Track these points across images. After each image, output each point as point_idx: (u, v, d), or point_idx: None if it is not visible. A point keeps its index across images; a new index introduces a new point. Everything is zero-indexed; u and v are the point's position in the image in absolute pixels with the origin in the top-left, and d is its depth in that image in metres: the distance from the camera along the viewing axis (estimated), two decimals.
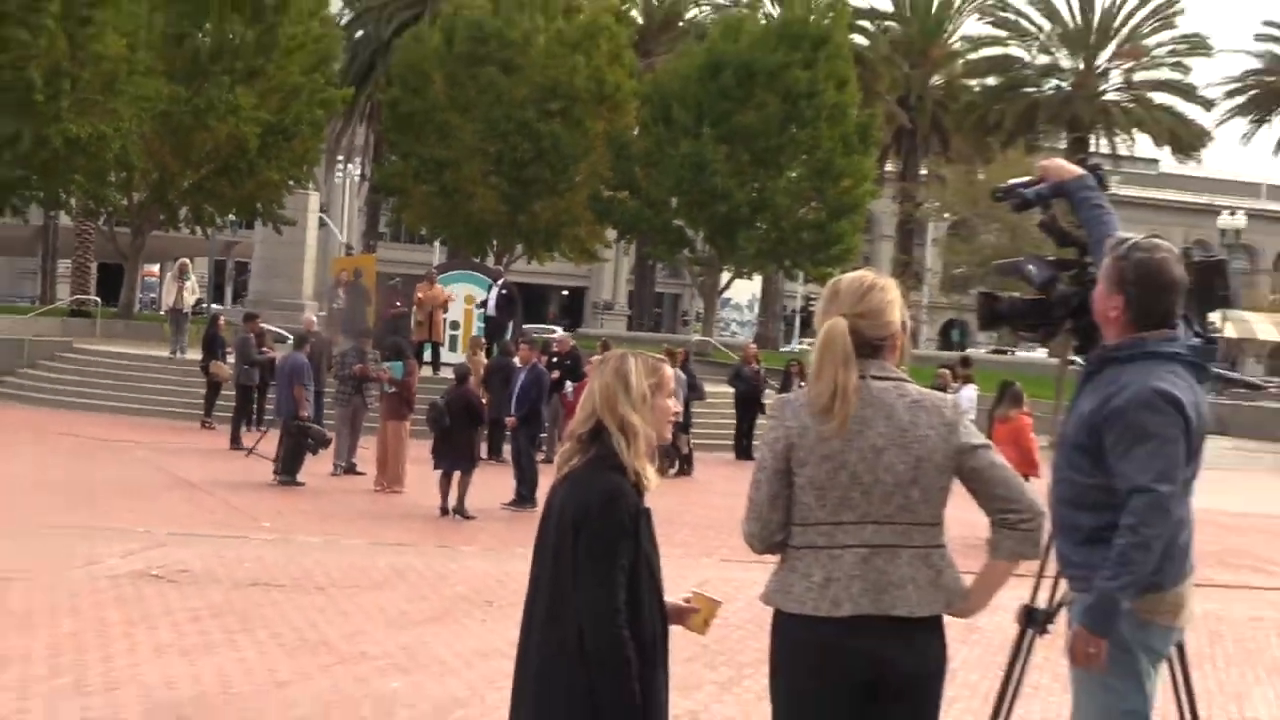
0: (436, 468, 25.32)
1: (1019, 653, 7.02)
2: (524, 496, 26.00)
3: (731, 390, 40.95)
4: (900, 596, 6.11)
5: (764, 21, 67.95)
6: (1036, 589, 7.19)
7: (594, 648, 6.07)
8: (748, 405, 39.74)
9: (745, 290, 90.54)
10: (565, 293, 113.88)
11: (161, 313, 57.27)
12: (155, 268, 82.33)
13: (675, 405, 6.56)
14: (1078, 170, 7.23)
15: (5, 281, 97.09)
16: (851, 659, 6.10)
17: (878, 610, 6.09)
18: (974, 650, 13.87)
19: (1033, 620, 6.93)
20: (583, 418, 6.39)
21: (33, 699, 11.77)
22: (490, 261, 60.91)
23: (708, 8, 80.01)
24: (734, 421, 40.45)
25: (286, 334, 42.70)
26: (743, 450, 38.68)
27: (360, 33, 71.86)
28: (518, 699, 6.36)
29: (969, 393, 33.92)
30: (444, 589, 17.73)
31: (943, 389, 19.63)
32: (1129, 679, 6.43)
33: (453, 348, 44.09)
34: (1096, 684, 6.47)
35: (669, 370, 6.47)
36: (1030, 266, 7.20)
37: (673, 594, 6.42)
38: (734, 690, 11.99)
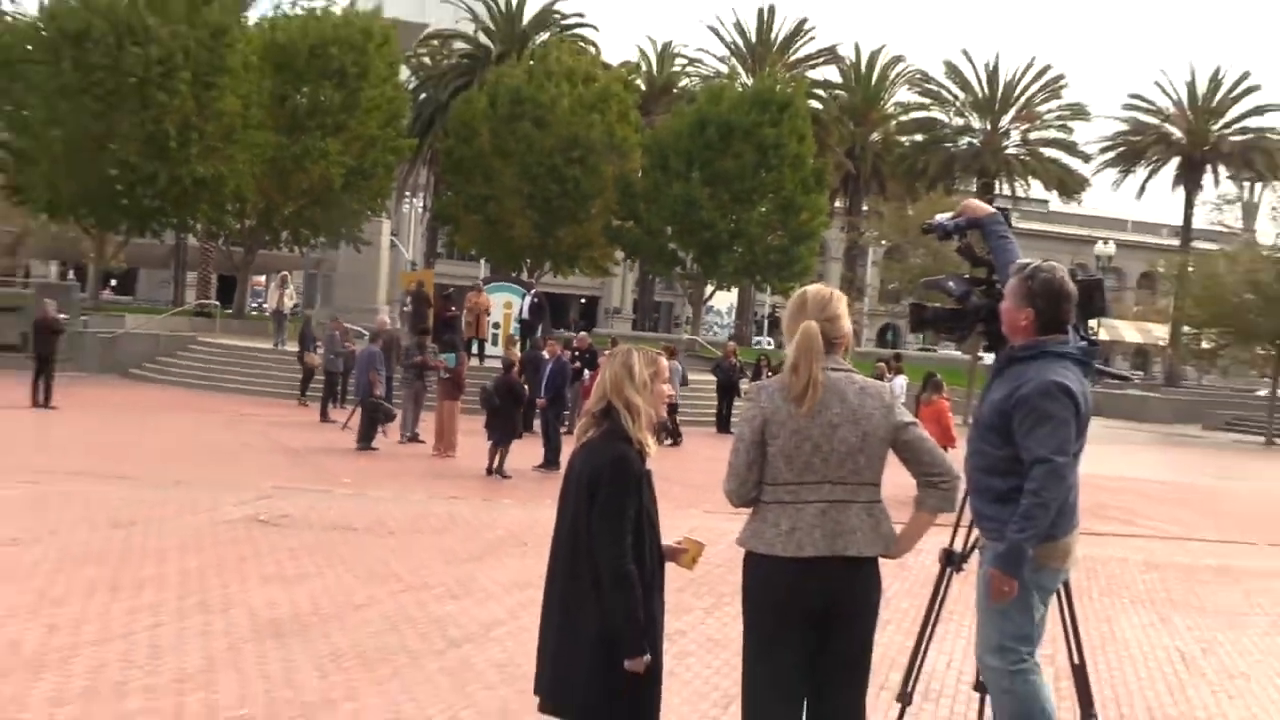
0: (490, 439, 25.36)
1: (940, 586, 7.03)
2: (550, 461, 26.19)
3: (714, 378, 40.93)
4: (850, 541, 6.15)
5: (740, 89, 67.70)
6: (954, 536, 7.18)
7: (607, 579, 6.08)
8: (726, 390, 39.71)
9: (725, 299, 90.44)
10: (583, 300, 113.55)
11: (266, 314, 57.21)
12: (261, 278, 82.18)
13: (670, 390, 6.56)
14: (989, 209, 7.30)
15: (145, 288, 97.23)
16: (811, 591, 6.15)
17: (832, 552, 6.14)
18: (904, 584, 13.86)
19: (951, 561, 6.96)
20: (596, 399, 6.46)
21: (165, 615, 11.85)
22: (524, 275, 60.73)
23: (696, 78, 79.56)
24: (715, 403, 40.44)
25: (364, 331, 42.75)
26: (722, 425, 38.53)
27: (423, 95, 71.67)
28: (546, 620, 6.38)
29: (900, 381, 34.12)
30: (488, 533, 17.77)
31: (880, 378, 19.59)
32: (1024, 611, 6.51)
33: (494, 343, 44.03)
34: (996, 612, 6.55)
35: (665, 362, 6.50)
36: (950, 283, 7.32)
37: (668, 538, 6.44)
38: (715, 614, 11.95)
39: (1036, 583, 6.60)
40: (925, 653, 6.77)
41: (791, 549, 6.19)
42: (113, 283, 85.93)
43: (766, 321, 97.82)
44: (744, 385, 37.44)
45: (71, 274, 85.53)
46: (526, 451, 26.72)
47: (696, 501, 21.29)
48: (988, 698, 6.71)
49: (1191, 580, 17.49)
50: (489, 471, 24.89)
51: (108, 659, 10.30)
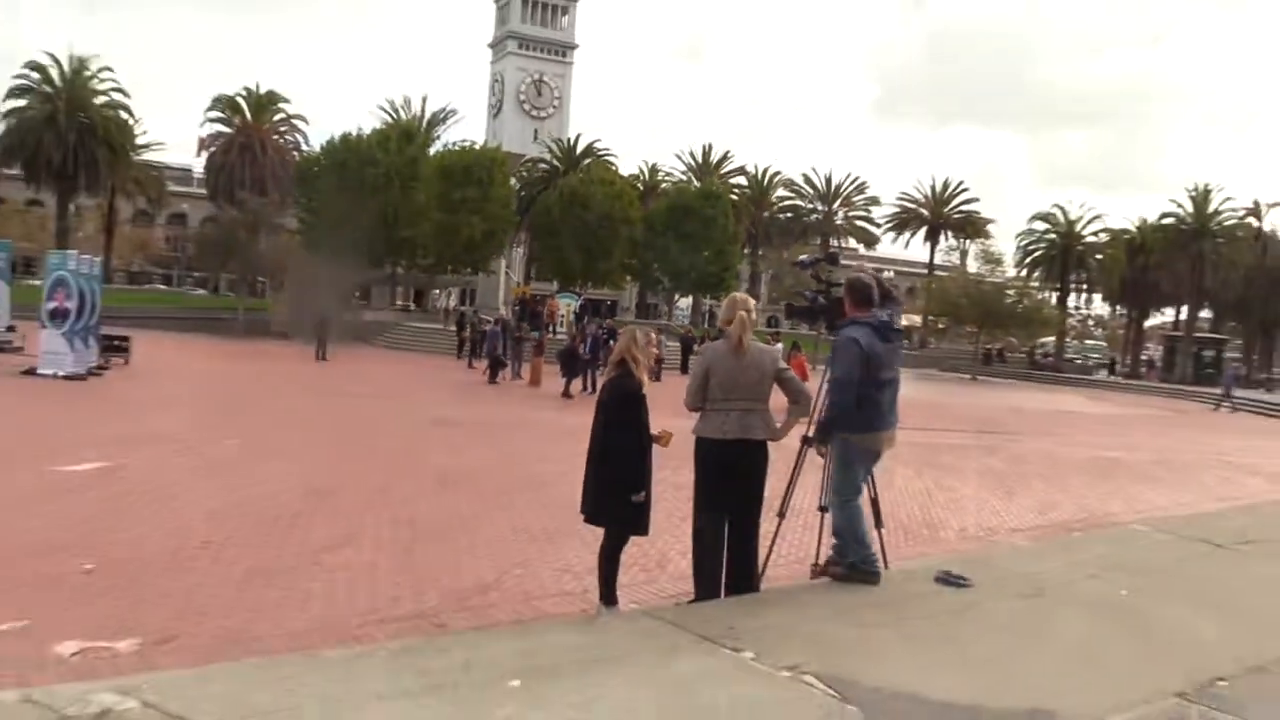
0: (562, 377, 25.12)
1: (799, 458, 7.02)
2: (590, 389, 26.07)
3: (679, 344, 40.74)
4: (755, 430, 6.05)
5: (694, 189, 67.35)
6: (808, 428, 7.28)
7: (617, 458, 6.00)
8: (686, 349, 39.56)
9: (685, 302, 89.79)
10: (608, 303, 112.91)
11: (438, 310, 57.15)
12: (436, 291, 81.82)
13: (656, 351, 6.71)
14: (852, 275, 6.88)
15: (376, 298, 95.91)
16: (734, 457, 6.04)
17: (746, 436, 6.03)
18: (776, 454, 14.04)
19: (807, 442, 6.90)
20: (616, 355, 6.31)
21: (391, 474, 11.82)
22: (576, 289, 60.65)
23: (670, 181, 78.99)
24: (680, 357, 39.99)
25: (490, 319, 42.84)
26: (684, 369, 38.24)
27: (523, 192, 71.33)
28: (588, 471, 6.18)
29: (779, 347, 33.95)
30: (559, 429, 17.65)
31: (768, 344, 19.68)
32: (848, 471, 6.20)
33: (561, 326, 44.13)
34: (837, 472, 6.26)
35: (654, 335, 6.72)
36: (807, 293, 7.00)
37: (654, 428, 6.25)
38: (680, 472, 12.13)
39: (860, 457, 6.22)
40: (792, 491, 6.92)
41: (723, 434, 6.02)
42: (358, 295, 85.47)
43: (707, 314, 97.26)
44: (696, 347, 37.23)
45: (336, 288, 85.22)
46: (576, 386, 26.67)
47: (671, 410, 21.37)
48: (828, 515, 6.38)
49: (932, 452, 17.60)
50: (562, 395, 24.55)
51: (364, 496, 10.25)
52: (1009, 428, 24.28)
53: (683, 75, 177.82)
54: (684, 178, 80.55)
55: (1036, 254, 72.50)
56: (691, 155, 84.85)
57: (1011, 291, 58.75)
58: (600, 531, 6.26)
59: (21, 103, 60.51)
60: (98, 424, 14.47)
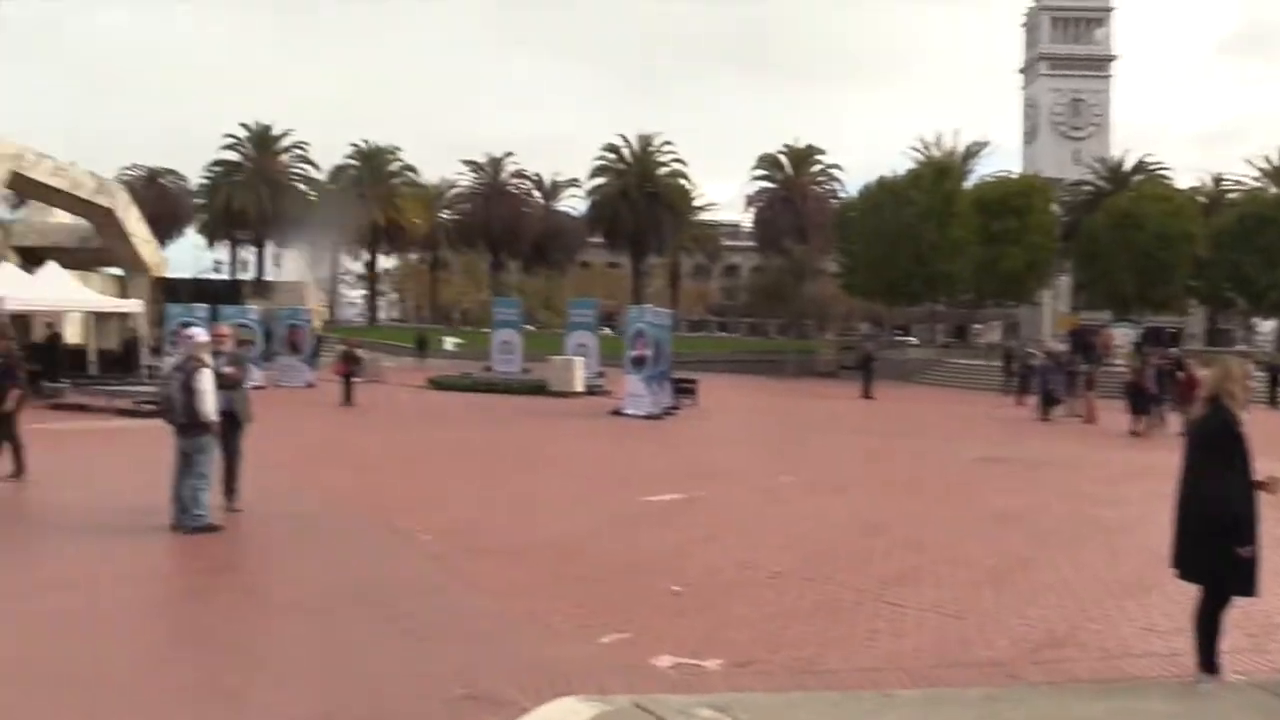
0: (1129, 412, 23.03)
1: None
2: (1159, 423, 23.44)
3: (1265, 374, 35.15)
4: None
5: (1273, 193, 58.71)
6: None
7: (1217, 504, 5.24)
8: (1274, 382, 34.06)
9: (1266, 326, 77.66)
10: (1170, 331, 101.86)
11: (984, 345, 55.67)
12: (978, 326, 79.55)
13: (1251, 384, 5.79)
14: None
15: (916, 333, 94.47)
16: None
17: None
18: None
19: None
20: (1208, 390, 5.54)
21: (944, 511, 11.50)
22: (1133, 315, 55.37)
23: (1239, 190, 69.48)
24: (1268, 390, 34.23)
25: (1037, 352, 40.50)
26: (1273, 401, 33.04)
27: (1065, 218, 66.81)
28: (1176, 532, 5.47)
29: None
30: (1126, 469, 16.00)
31: None
32: None
33: (1119, 359, 40.59)
34: None
35: (1250, 368, 5.72)
36: None
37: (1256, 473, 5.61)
38: None
39: None
40: None
41: None
42: (897, 333, 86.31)
43: None
44: None
45: (872, 326, 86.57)
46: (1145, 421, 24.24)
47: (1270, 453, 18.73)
48: None
49: None
50: (1130, 432, 22.23)
51: (917, 533, 10.11)
52: None
53: (1239, 70, 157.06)
54: (1258, 184, 70.69)
55: None
56: (1267, 159, 74.13)
57: None
58: (1192, 588, 5.63)
59: (602, 180, 69.83)
60: (673, 459, 15.91)
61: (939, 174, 53.46)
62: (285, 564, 8.16)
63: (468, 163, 76.68)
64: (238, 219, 69.77)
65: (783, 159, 72.69)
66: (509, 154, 78.58)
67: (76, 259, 31.92)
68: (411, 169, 74.80)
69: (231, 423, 9.71)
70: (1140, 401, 22.90)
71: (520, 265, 78.91)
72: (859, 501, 12.00)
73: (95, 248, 33.71)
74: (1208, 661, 5.47)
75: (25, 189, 32.36)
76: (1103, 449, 19.26)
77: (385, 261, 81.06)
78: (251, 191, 69.14)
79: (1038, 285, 56.76)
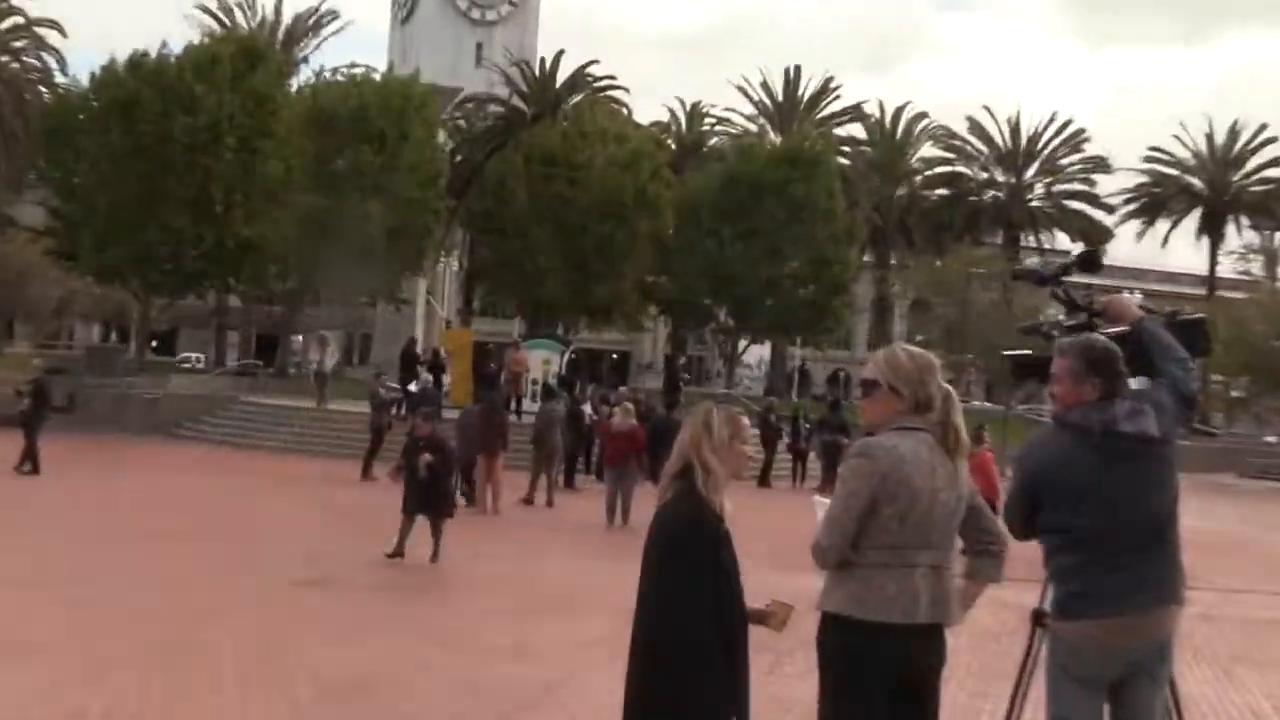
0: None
1: (1031, 647, 6.71)
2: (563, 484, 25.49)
3: (756, 431, 40.03)
4: (946, 606, 5.98)
5: (769, 147, 67.81)
6: (1042, 596, 6.84)
7: (683, 651, 5.90)
8: (769, 445, 39.07)
9: (756, 353, 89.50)
10: (614, 356, 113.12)
11: (308, 373, 57.22)
12: (301, 338, 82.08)
13: (750, 450, 6.31)
14: (1137, 311, 6.85)
15: (189, 348, 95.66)
16: (913, 660, 5.98)
17: (934, 619, 5.94)
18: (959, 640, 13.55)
19: (1040, 621, 6.54)
20: (676, 459, 6.17)
21: (226, 678, 11.61)
22: (560, 331, 60.56)
23: (725, 136, 79.46)
24: (763, 459, 38.97)
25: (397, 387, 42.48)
26: (763, 479, 37.72)
27: (459, 158, 71.46)
28: (628, 697, 6.12)
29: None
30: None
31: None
32: (1056, 694, 6.38)
33: (532, 399, 43.75)
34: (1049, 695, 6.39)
35: (745, 420, 6.24)
36: (1052, 330, 7.06)
37: (752, 600, 6.20)
38: (796, 682, 11.53)
39: (1078, 664, 6.27)
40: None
41: (907, 617, 5.86)
42: (153, 344, 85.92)
43: (796, 375, 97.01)
44: (844, 442, 36.38)
45: (114, 336, 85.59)
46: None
47: (772, 560, 21.00)
48: None
49: (1251, 633, 17.13)
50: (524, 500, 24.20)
51: None
52: None
53: None
54: (752, 127, 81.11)
55: None
56: (765, 88, 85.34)
57: None
58: None
59: None
60: None
61: (244, 58, 54.17)
62: None
63: None
64: None
65: None
66: None
67: None
68: None
69: None
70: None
71: None
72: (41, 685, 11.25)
73: None
74: None
75: None
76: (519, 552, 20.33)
77: None
78: None
79: (410, 269, 59.57)
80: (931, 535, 5.88)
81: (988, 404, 63.79)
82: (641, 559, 6.16)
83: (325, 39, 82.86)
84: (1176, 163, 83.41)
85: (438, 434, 20.57)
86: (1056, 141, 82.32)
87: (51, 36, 71.41)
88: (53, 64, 71.57)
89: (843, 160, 75.20)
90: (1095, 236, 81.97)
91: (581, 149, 61.82)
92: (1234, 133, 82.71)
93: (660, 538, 6.12)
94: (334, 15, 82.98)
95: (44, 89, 68.27)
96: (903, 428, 5.95)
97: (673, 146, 74.68)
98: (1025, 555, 6.73)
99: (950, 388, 6.11)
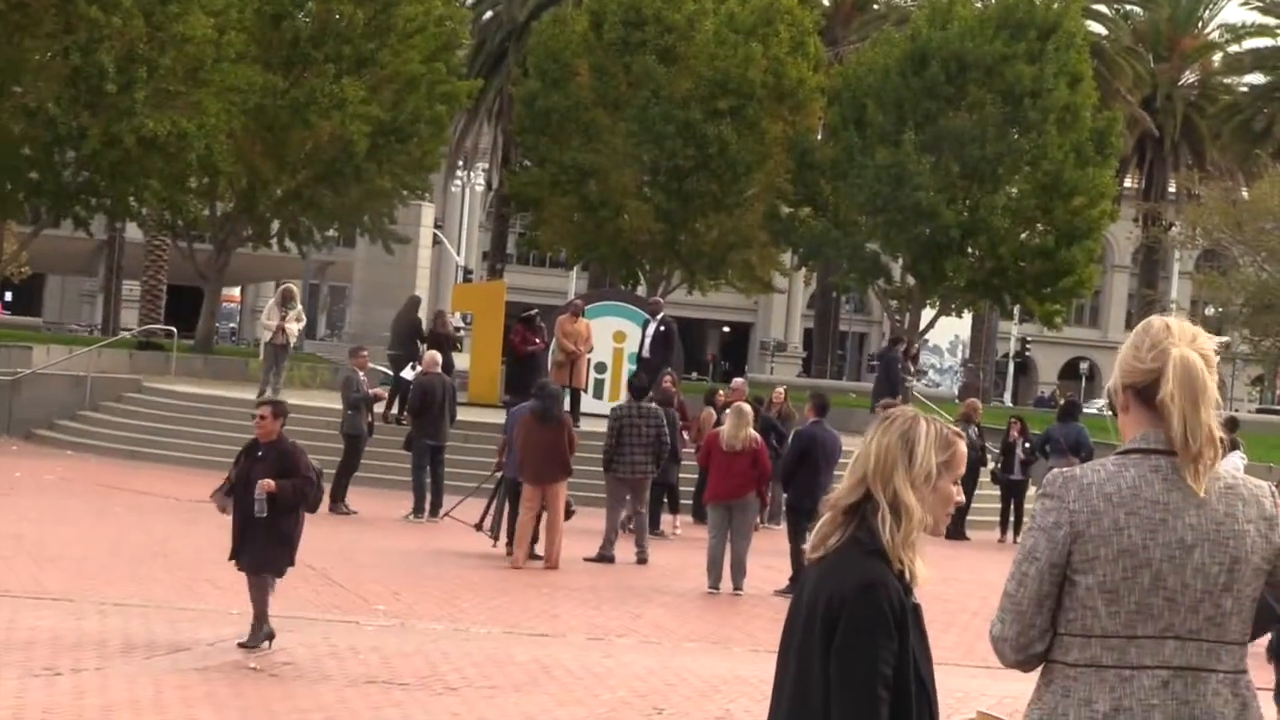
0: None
1: None
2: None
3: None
4: None
5: (980, 6, 67.55)
6: None
7: None
8: (969, 476, 39.00)
9: (947, 330, 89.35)
10: (726, 329, 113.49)
11: (254, 346, 57.41)
12: (235, 291, 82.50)
13: (959, 493, 6.25)
14: None
15: (61, 307, 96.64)
16: None
17: None
18: None
19: None
20: (850, 485, 6.12)
21: None
22: (643, 291, 60.72)
23: None
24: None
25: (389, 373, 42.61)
26: (955, 528, 37.63)
27: (490, 14, 71.90)
28: None
29: (1235, 460, 33.37)
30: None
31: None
32: None
33: (597, 395, 43.91)
34: None
35: (964, 446, 6.15)
36: None
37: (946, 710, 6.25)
38: None
39: None
40: None
41: None
42: (7, 296, 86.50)
43: (1011, 364, 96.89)
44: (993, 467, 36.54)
45: None
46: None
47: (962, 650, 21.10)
48: None
49: None
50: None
51: None
52: None
53: None
54: None
55: None
56: None
57: None
58: None
59: None
60: None
61: None
62: None
63: None
64: None
65: None
66: None
67: None
68: None
69: None
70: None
71: None
72: None
73: None
74: None
75: None
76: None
77: None
78: None
79: (404, 186, 59.75)
80: (1174, 618, 5.79)
81: None
82: (781, 643, 6.18)
83: None
84: None
85: (287, 439, 19.60)
86: None
87: None
88: None
89: (1096, 28, 74.95)
90: None
91: (683, 3, 61.90)
92: None
93: (819, 610, 6.04)
94: None
95: None
96: (1133, 450, 5.90)
97: (825, 3, 74.87)
98: None
99: (1209, 377, 5.89)
